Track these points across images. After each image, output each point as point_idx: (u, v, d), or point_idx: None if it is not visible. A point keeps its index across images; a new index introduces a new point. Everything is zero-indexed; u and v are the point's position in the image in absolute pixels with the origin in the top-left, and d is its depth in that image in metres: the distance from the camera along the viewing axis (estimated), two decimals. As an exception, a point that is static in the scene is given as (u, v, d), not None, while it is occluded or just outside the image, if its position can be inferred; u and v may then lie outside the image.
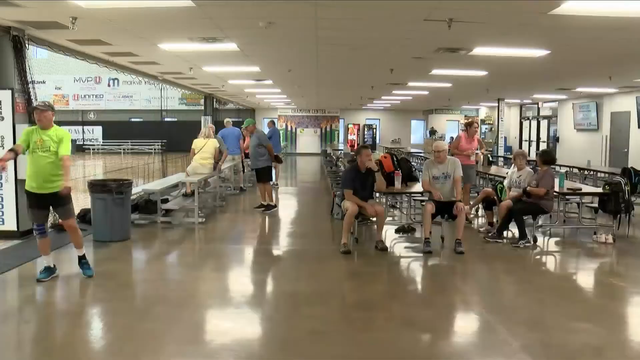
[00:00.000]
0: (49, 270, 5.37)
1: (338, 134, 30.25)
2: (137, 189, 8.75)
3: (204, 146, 9.90)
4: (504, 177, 8.74)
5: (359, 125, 30.40)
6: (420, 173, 8.80)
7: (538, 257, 7.02)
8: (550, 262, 6.89)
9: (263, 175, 9.89)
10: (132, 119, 31.88)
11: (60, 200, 5.21)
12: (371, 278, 5.95)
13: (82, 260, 5.49)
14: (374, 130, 30.46)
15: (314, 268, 6.18)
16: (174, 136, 24.19)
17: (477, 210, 9.09)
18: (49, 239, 5.41)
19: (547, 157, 7.44)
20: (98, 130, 31.41)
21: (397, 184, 7.76)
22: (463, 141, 8.95)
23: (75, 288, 5.39)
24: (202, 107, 19.40)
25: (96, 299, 5.02)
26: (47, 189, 5.17)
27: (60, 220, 5.47)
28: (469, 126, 9.10)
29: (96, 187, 7.18)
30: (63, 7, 5.87)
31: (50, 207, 5.39)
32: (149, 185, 9.44)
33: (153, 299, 4.98)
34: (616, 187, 7.39)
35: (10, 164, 6.91)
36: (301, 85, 16.28)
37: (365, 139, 29.66)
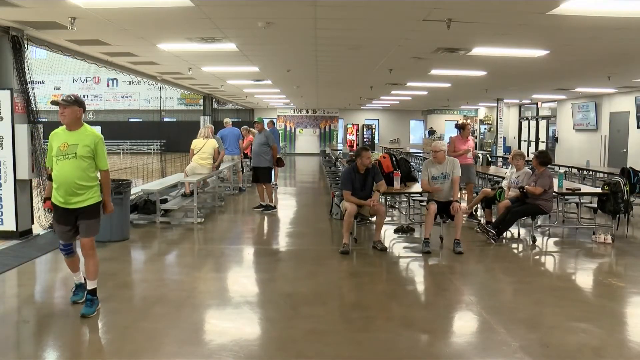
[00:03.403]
0: (84, 288, 4.66)
1: (337, 134, 30.29)
2: (136, 189, 8.76)
3: (203, 146, 9.93)
4: (503, 177, 8.76)
5: (358, 125, 30.42)
6: (419, 173, 8.83)
7: (537, 257, 7.02)
8: (549, 262, 6.90)
9: (263, 176, 9.89)
10: (131, 119, 31.89)
11: (87, 214, 4.43)
12: (370, 278, 5.96)
13: (90, 294, 4.53)
14: (373, 130, 30.48)
15: (313, 268, 6.18)
16: (173, 136, 24.25)
17: (475, 210, 9.10)
18: (77, 256, 4.69)
19: (545, 159, 7.45)
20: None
21: (396, 184, 7.77)
22: (457, 143, 9.05)
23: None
24: (201, 107, 19.41)
25: (95, 299, 5.01)
26: (72, 204, 4.38)
27: (78, 238, 4.57)
28: (462, 129, 9.22)
29: (95, 187, 7.16)
30: (62, 7, 5.87)
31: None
32: (148, 186, 9.43)
33: (152, 299, 4.98)
34: (615, 187, 7.40)
35: (10, 164, 6.95)
36: (300, 85, 16.28)
37: (364, 139, 29.68)
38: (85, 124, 4.52)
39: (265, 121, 10.83)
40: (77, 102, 4.40)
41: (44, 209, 4.94)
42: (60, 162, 4.35)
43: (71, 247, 4.57)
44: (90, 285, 4.53)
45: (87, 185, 4.42)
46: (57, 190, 4.40)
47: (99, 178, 4.59)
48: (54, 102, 4.46)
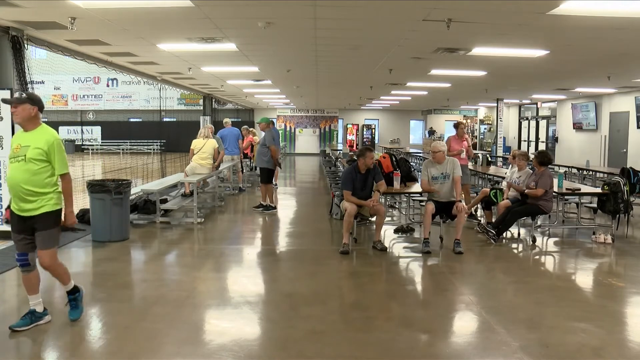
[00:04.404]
0: (33, 316, 4.14)
1: (337, 134, 30.29)
2: (136, 189, 8.76)
3: (203, 146, 9.93)
4: (503, 178, 8.76)
5: (357, 125, 30.43)
6: (419, 173, 8.83)
7: (537, 257, 7.02)
8: (549, 262, 6.90)
9: (262, 176, 9.92)
10: (131, 119, 31.91)
11: (40, 224, 3.99)
12: (370, 278, 5.96)
13: (70, 294, 4.27)
14: (373, 130, 30.49)
15: (313, 268, 6.18)
16: (172, 136, 24.27)
17: (475, 210, 9.10)
18: (35, 274, 4.17)
19: (544, 158, 7.45)
20: (97, 130, 31.43)
21: (396, 184, 7.77)
22: (452, 142, 9.10)
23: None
24: (201, 107, 19.42)
25: (95, 299, 5.01)
26: (25, 212, 3.98)
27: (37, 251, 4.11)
28: (456, 127, 9.31)
29: (95, 187, 7.18)
30: (62, 7, 5.87)
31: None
32: (147, 186, 9.43)
33: (152, 299, 4.98)
34: (615, 187, 7.40)
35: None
36: (300, 85, 16.29)
37: (364, 139, 29.69)
38: (43, 124, 4.09)
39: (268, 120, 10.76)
40: (29, 100, 3.99)
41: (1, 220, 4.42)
42: (12, 164, 4.00)
43: (26, 259, 4.09)
44: (67, 287, 4.27)
45: (39, 192, 3.97)
46: (11, 195, 4.06)
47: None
48: (4, 101, 4.24)
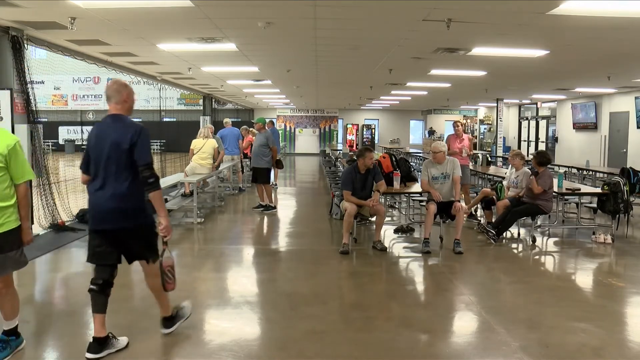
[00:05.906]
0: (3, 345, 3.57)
1: (337, 134, 30.29)
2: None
3: (203, 146, 9.93)
4: (503, 177, 8.76)
5: (357, 125, 30.43)
6: (419, 173, 8.83)
7: (537, 257, 7.02)
8: (549, 262, 6.90)
9: (261, 176, 9.91)
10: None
11: (4, 244, 3.40)
12: (370, 278, 5.96)
13: (6, 334, 3.60)
14: (373, 130, 30.48)
15: (313, 268, 6.18)
16: (172, 136, 24.26)
17: (475, 210, 9.10)
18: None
19: (543, 159, 7.44)
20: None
21: (396, 184, 7.77)
22: (451, 142, 9.13)
23: (74, 288, 5.38)
24: (201, 107, 19.42)
25: (95, 299, 5.00)
26: None
27: None
28: (454, 127, 9.46)
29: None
30: (62, 7, 5.87)
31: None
32: (147, 186, 9.41)
33: (151, 299, 4.96)
34: (615, 187, 7.40)
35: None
36: (300, 85, 16.28)
37: (364, 139, 29.68)
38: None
39: (265, 121, 10.80)
40: None
41: None
42: None
43: None
44: (7, 325, 3.61)
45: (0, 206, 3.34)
46: None
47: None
48: None
